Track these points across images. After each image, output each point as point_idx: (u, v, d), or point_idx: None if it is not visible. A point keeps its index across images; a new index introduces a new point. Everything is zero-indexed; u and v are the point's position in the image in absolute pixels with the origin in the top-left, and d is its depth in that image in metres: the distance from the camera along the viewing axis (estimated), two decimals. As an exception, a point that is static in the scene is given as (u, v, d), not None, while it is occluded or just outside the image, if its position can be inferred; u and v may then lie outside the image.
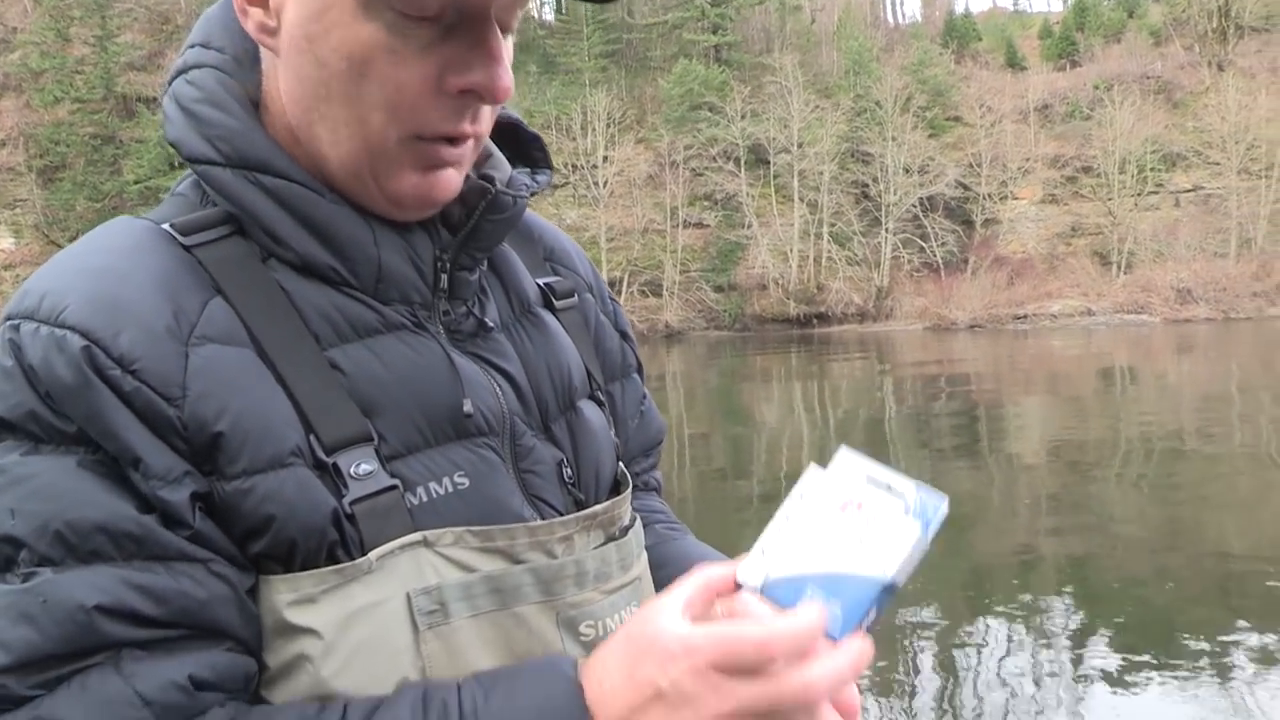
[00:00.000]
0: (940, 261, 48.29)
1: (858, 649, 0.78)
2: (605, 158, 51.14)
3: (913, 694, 6.06)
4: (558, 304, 1.15)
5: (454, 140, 0.93)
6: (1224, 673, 6.19)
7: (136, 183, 47.41)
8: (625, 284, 48.20)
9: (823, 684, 0.75)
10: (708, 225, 51.26)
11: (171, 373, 0.84)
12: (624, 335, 1.28)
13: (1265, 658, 6.37)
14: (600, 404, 1.14)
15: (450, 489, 0.93)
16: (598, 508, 1.05)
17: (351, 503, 0.87)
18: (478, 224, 1.01)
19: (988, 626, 7.21)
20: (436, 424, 0.94)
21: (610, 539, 1.05)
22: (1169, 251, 45.77)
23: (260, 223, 0.93)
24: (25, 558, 0.80)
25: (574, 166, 50.53)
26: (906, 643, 6.80)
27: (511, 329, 1.07)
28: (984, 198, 49.97)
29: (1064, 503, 10.98)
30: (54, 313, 0.84)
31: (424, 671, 0.87)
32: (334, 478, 0.87)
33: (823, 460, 0.90)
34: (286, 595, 0.85)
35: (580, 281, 1.22)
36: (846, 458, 0.87)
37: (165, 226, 0.93)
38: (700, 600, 0.81)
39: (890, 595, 0.81)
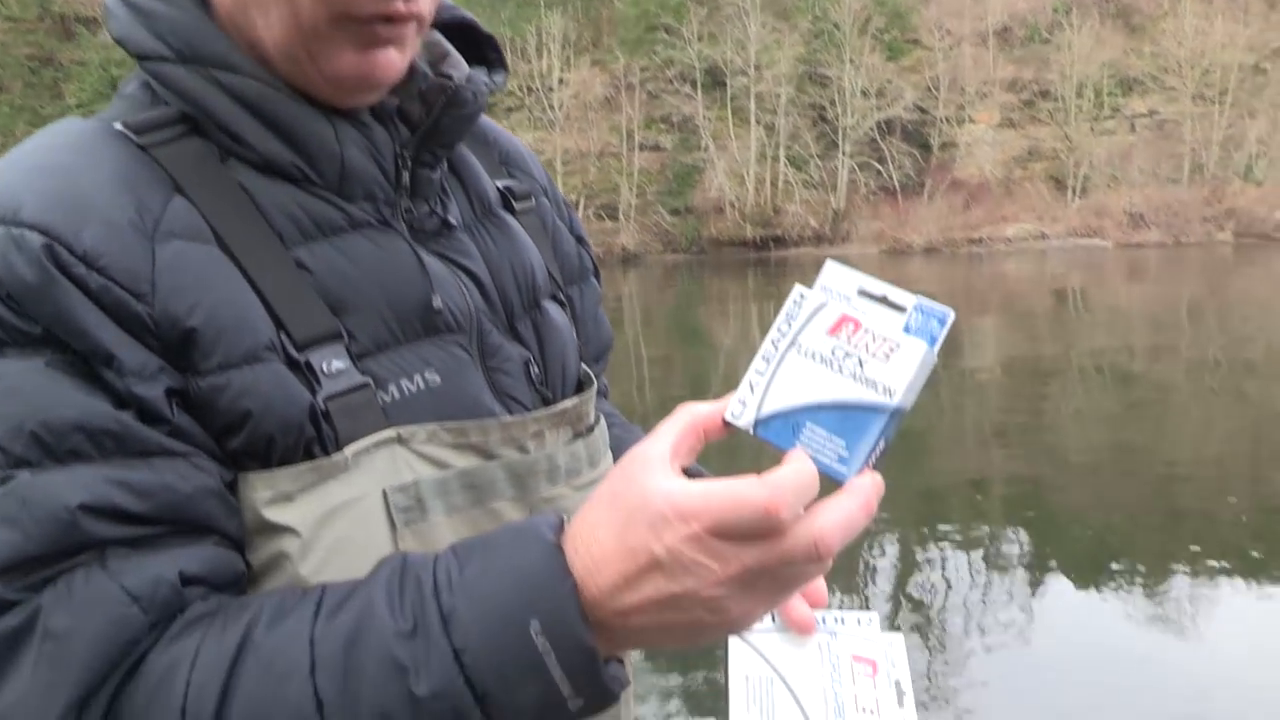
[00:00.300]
0: (897, 185, 48.35)
1: (869, 488, 0.71)
2: (561, 80, 50.49)
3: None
4: (516, 206, 1.15)
5: (390, 19, 0.91)
6: (1167, 593, 6.28)
7: (79, 106, 45.77)
8: (581, 207, 47.66)
9: (835, 536, 0.69)
10: (664, 148, 50.86)
11: (139, 268, 0.82)
12: (580, 240, 1.28)
13: (1209, 579, 6.47)
14: (562, 305, 1.15)
15: (422, 386, 0.93)
16: (566, 403, 1.06)
17: (325, 399, 0.86)
18: (438, 120, 1.00)
19: (940, 547, 7.27)
20: (406, 321, 0.94)
21: (578, 435, 1.07)
22: (1123, 176, 46.13)
23: (218, 121, 0.91)
24: (1, 461, 0.77)
25: (529, 89, 49.91)
26: (858, 564, 6.85)
27: (474, 229, 1.07)
28: (941, 121, 49.84)
29: (1016, 422, 11.10)
30: (9, 211, 0.81)
31: None
32: (306, 375, 0.87)
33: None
34: (264, 493, 0.84)
35: (536, 186, 1.23)
36: (834, 271, 0.78)
37: (117, 125, 0.90)
38: (687, 445, 0.75)
39: (898, 422, 0.72)
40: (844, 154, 48.77)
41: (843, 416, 0.72)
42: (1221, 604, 6.17)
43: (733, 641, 0.92)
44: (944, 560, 7.03)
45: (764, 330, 0.77)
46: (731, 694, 0.89)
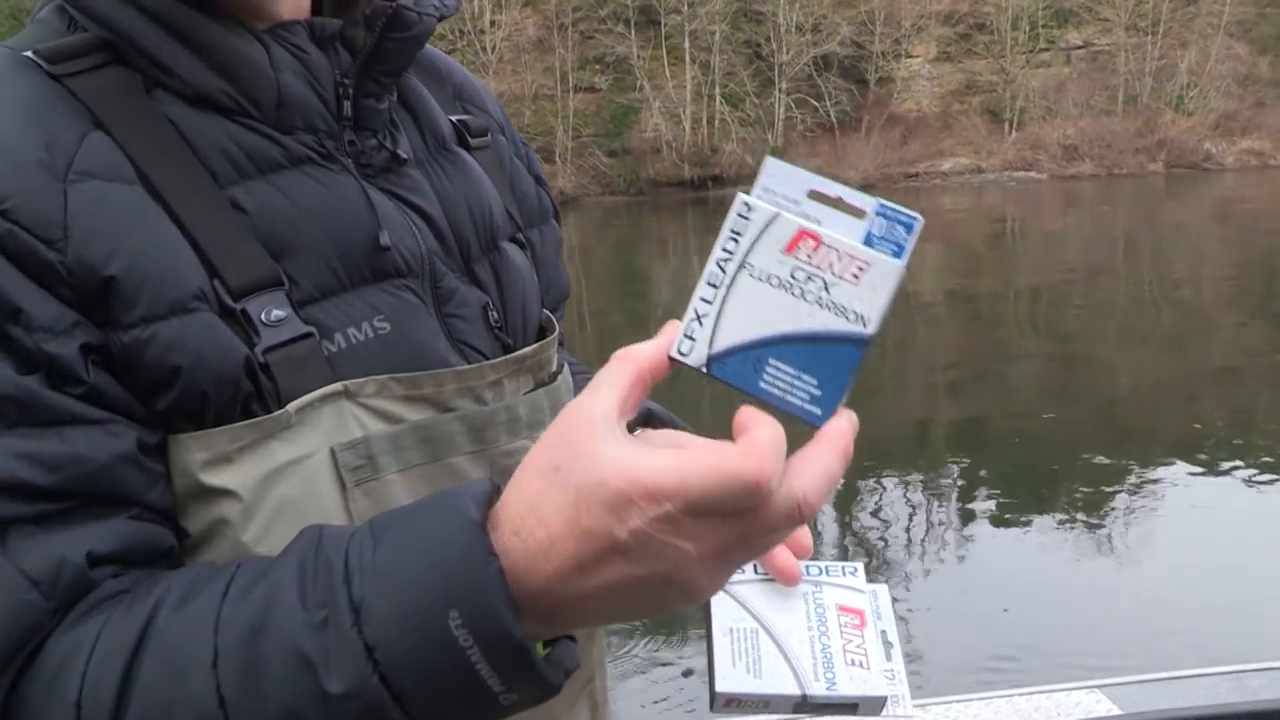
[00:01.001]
0: (835, 121, 48.32)
1: (846, 432, 0.63)
2: (492, 22, 49.51)
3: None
4: (472, 142, 1.09)
5: None
6: (1103, 516, 6.29)
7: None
8: (517, 151, 47.12)
9: (819, 495, 0.61)
10: (599, 89, 50.31)
11: (49, 212, 0.76)
12: (539, 180, 1.21)
13: (1142, 499, 6.50)
14: (523, 246, 1.09)
15: (370, 335, 0.87)
16: (526, 350, 1.00)
17: (265, 351, 0.81)
18: (380, 43, 0.93)
19: (881, 474, 7.25)
20: (352, 264, 0.88)
21: (540, 384, 1.02)
22: (1058, 109, 46.50)
23: (140, 48, 0.84)
24: None
25: (460, 33, 48.85)
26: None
27: (427, 165, 1.00)
28: (878, 56, 49.65)
29: (959, 351, 11.12)
30: None
31: None
32: (244, 325, 0.81)
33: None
34: (200, 455, 0.79)
35: (493, 122, 1.16)
36: (777, 170, 0.65)
37: (27, 53, 0.83)
38: (633, 399, 0.64)
39: (866, 350, 0.63)
40: (780, 91, 48.59)
41: (812, 350, 0.63)
42: (1163, 517, 6.22)
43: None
44: (886, 489, 7.01)
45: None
46: (715, 648, 0.85)
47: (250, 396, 0.80)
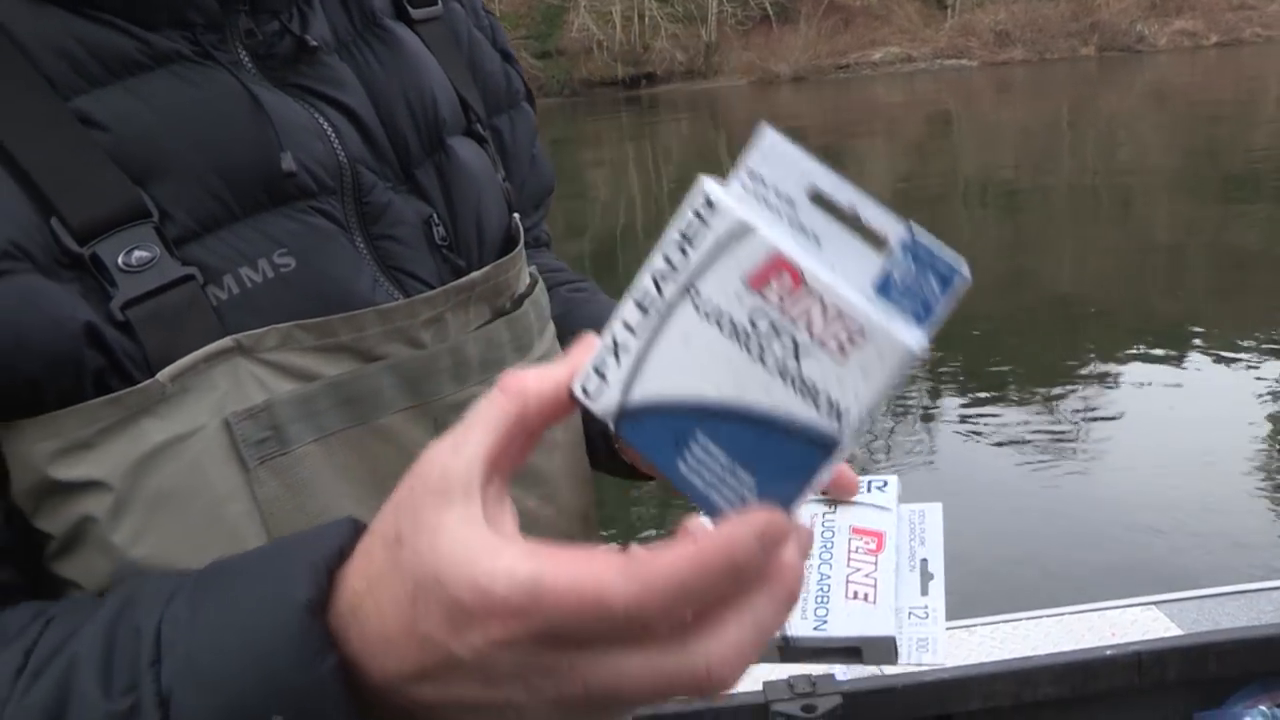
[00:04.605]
0: (771, 14, 47.63)
1: (795, 571, 0.45)
2: (411, -82, 48.14)
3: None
4: (415, 14, 0.88)
5: None
6: (1056, 414, 6.29)
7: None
8: (444, 54, 46.11)
9: (731, 668, 0.44)
10: (526, -12, 49.24)
11: None
12: (506, 55, 1.01)
13: (1097, 393, 6.52)
14: (481, 141, 0.90)
15: (270, 274, 0.69)
16: (475, 275, 0.81)
17: (124, 306, 0.64)
18: None
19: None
20: (241, 187, 0.69)
21: (500, 314, 0.82)
22: (991, -7, 46.10)
23: None
24: None
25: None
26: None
27: (351, 48, 0.81)
28: (808, -55, 48.88)
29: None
30: None
31: (262, 522, 0.66)
32: (95, 275, 0.64)
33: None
34: (45, 444, 0.62)
35: None
36: (775, 148, 0.45)
37: None
38: (510, 453, 0.49)
39: (832, 460, 0.44)
40: (711, -17, 47.78)
41: (757, 438, 0.44)
42: (1118, 407, 6.26)
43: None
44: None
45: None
46: None
47: (103, 370, 0.63)
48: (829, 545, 0.73)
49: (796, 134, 0.42)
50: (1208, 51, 37.36)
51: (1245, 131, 17.01)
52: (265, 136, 0.71)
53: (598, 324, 0.86)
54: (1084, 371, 6.85)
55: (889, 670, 2.28)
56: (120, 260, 0.63)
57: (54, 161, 0.63)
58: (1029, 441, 5.87)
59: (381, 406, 0.72)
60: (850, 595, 0.69)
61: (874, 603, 0.69)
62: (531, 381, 0.48)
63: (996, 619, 2.44)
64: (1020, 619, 2.44)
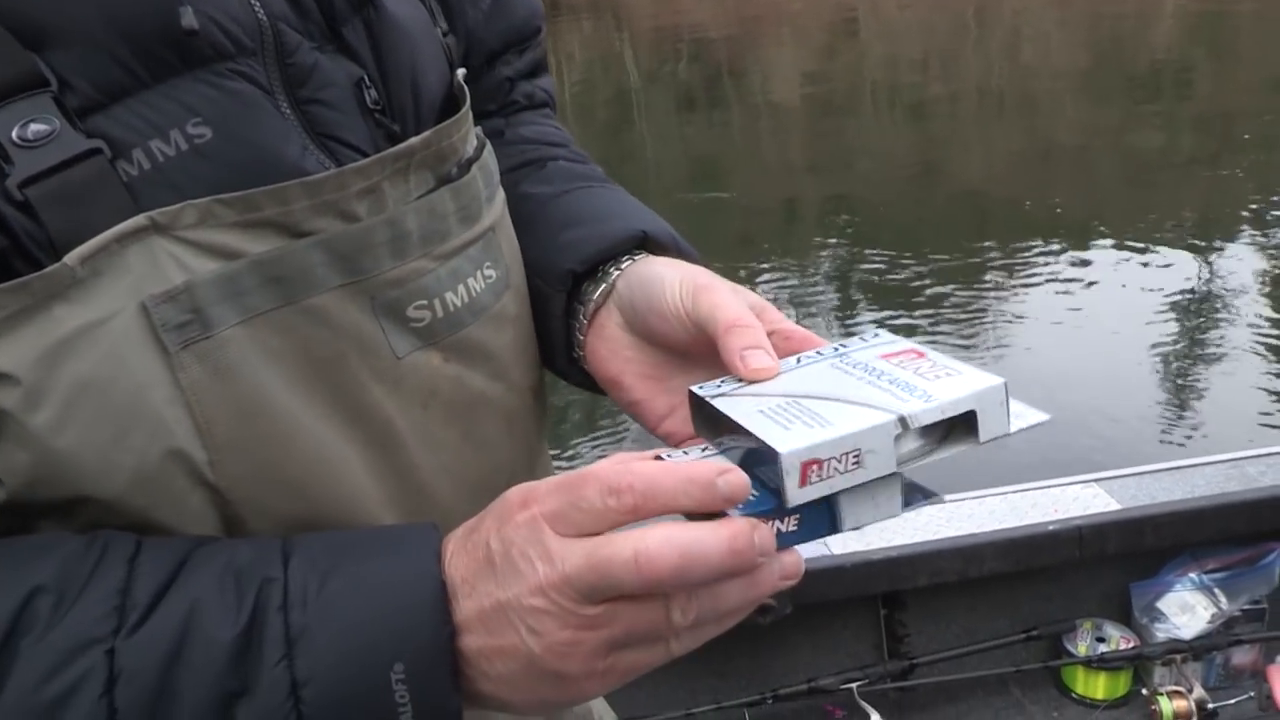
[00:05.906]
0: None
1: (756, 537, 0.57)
2: None
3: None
4: None
5: None
6: (974, 308, 6.40)
7: None
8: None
9: (664, 555, 0.55)
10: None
11: None
12: None
13: (1005, 286, 6.64)
14: None
15: (184, 146, 0.64)
16: (414, 141, 0.72)
17: (22, 184, 0.59)
18: None
19: (756, 267, 7.29)
20: (149, 51, 0.63)
21: (444, 181, 0.75)
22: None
23: None
24: None
25: None
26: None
27: None
28: None
29: (820, 145, 11.16)
30: None
31: (188, 408, 0.62)
32: None
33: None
34: None
35: None
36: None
37: None
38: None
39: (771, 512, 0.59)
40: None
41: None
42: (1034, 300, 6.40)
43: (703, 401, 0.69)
44: (759, 276, 7.08)
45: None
46: (754, 430, 0.60)
47: (5, 253, 0.59)
48: (871, 369, 0.66)
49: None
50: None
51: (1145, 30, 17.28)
52: None
53: (608, 218, 0.85)
54: (997, 264, 6.98)
55: (836, 549, 2.34)
56: (15, 134, 0.59)
57: None
58: (946, 333, 6.00)
59: (312, 285, 0.67)
60: (934, 377, 0.63)
61: (960, 374, 0.63)
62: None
63: (947, 498, 2.49)
64: (965, 499, 2.51)
